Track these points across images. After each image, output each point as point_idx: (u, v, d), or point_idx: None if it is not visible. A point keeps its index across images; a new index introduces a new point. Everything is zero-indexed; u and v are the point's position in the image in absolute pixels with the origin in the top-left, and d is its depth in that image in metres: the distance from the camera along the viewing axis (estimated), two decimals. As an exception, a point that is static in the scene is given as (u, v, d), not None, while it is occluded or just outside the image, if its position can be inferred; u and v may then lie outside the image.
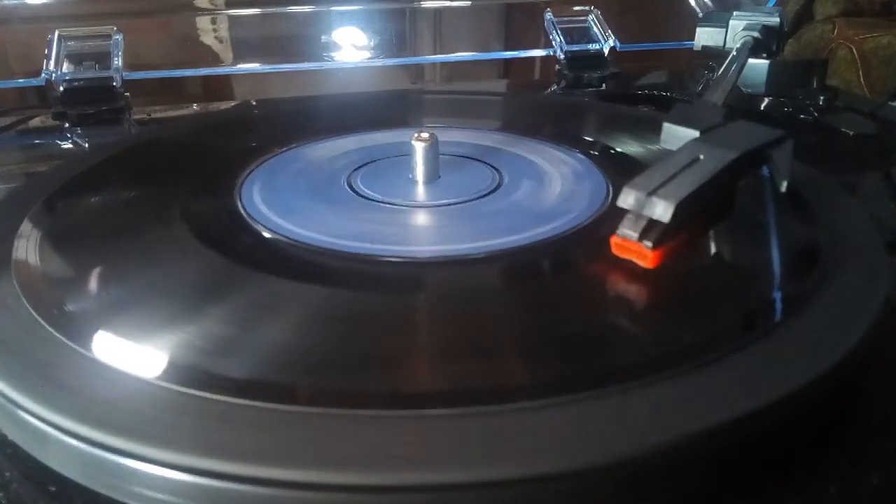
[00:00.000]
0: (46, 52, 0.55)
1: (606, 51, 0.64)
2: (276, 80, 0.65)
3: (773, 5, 0.65)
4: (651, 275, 0.23)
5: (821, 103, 0.51)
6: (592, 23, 0.66)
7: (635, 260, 0.23)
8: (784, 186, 0.27)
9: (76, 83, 0.54)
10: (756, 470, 0.18)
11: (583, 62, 0.63)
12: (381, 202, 0.30)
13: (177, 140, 0.41)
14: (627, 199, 0.23)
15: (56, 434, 0.17)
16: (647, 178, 0.23)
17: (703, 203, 0.23)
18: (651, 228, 0.23)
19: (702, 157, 0.25)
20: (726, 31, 0.51)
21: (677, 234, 0.23)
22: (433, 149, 0.32)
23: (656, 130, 0.30)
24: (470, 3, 0.70)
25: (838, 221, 0.27)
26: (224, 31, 0.63)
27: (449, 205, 0.30)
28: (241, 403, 0.17)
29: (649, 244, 0.22)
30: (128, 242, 0.27)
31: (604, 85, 0.62)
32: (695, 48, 0.53)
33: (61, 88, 0.53)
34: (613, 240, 0.23)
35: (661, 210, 0.22)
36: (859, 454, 0.19)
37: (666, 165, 0.24)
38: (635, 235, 0.23)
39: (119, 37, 0.56)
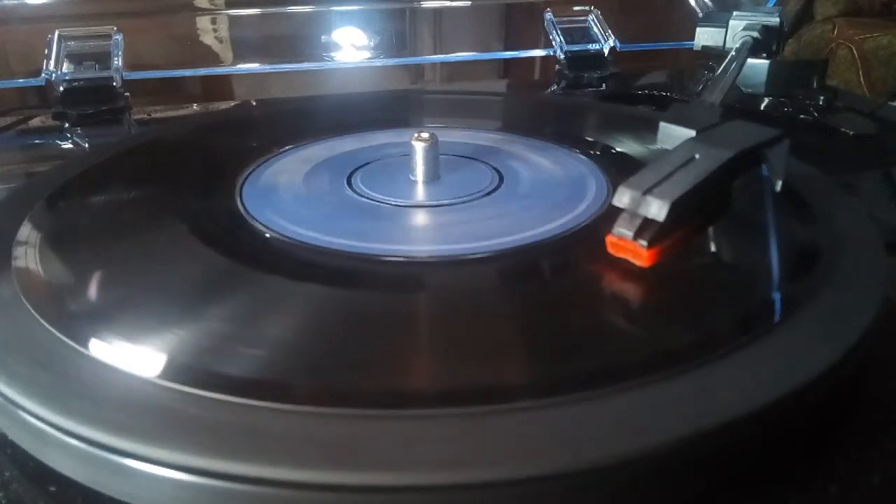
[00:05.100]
0: (46, 52, 0.55)
1: (606, 51, 0.64)
2: (276, 80, 0.65)
3: (773, 5, 0.65)
4: (647, 274, 0.23)
5: (821, 103, 0.51)
6: (592, 23, 0.66)
7: (630, 259, 0.23)
8: (779, 186, 0.27)
9: (76, 83, 0.54)
10: (756, 470, 0.18)
11: (583, 62, 0.63)
12: (382, 202, 0.30)
13: (177, 140, 0.41)
14: (623, 198, 0.23)
15: (57, 434, 0.17)
16: (643, 178, 0.23)
17: (698, 202, 0.23)
18: (646, 227, 0.23)
19: (697, 156, 0.25)
20: (726, 31, 0.51)
21: (673, 234, 0.23)
22: (433, 149, 0.32)
23: (656, 130, 0.30)
24: (470, 3, 0.70)
25: (838, 221, 0.27)
26: (224, 31, 0.63)
27: (449, 205, 0.30)
28: (241, 403, 0.17)
29: (644, 243, 0.22)
30: (128, 242, 0.27)
31: (604, 85, 0.62)
32: (695, 48, 0.53)
33: (61, 88, 0.54)
34: (609, 238, 0.23)
35: (656, 209, 0.22)
36: (859, 454, 0.19)
37: (661, 165, 0.24)
38: (630, 234, 0.23)
39: (119, 37, 0.56)
